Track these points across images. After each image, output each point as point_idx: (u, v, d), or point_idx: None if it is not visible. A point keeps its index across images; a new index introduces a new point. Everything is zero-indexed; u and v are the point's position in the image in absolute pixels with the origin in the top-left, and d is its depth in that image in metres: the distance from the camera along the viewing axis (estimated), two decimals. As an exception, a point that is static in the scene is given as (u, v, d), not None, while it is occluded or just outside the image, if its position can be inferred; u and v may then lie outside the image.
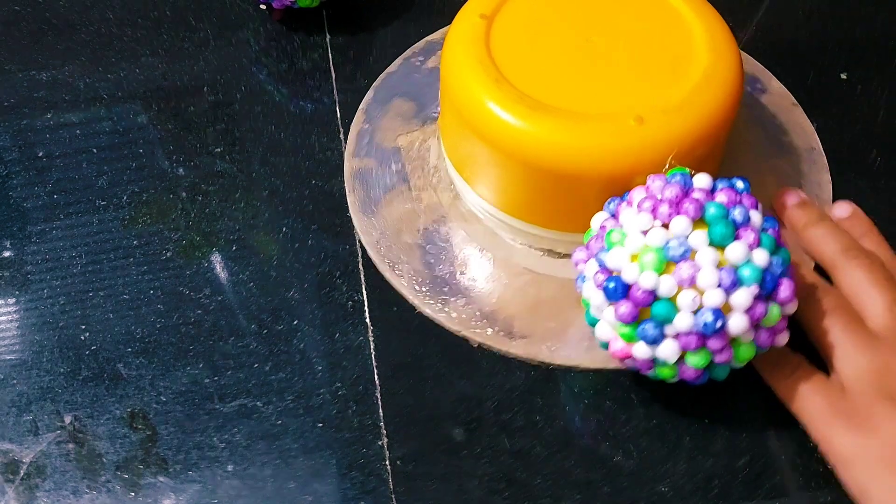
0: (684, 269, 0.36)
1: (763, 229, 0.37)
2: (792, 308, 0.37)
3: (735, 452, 0.41)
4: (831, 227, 0.45)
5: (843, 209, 0.46)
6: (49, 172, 0.50)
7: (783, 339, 0.38)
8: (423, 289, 0.45)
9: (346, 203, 0.49)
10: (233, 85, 0.54)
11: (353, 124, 0.52)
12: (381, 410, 0.42)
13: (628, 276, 0.36)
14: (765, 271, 0.36)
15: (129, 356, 0.44)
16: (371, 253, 0.47)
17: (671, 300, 0.36)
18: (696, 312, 0.36)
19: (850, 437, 0.38)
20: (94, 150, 0.51)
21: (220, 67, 0.55)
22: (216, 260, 0.47)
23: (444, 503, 0.40)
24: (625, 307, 0.36)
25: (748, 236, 0.36)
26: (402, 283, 0.45)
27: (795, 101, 0.52)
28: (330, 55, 0.55)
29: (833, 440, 0.38)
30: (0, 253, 0.48)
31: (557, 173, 0.41)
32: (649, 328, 0.36)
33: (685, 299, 0.36)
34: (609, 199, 0.40)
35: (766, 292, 0.36)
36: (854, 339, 0.40)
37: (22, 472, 0.41)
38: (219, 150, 0.51)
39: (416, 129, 0.51)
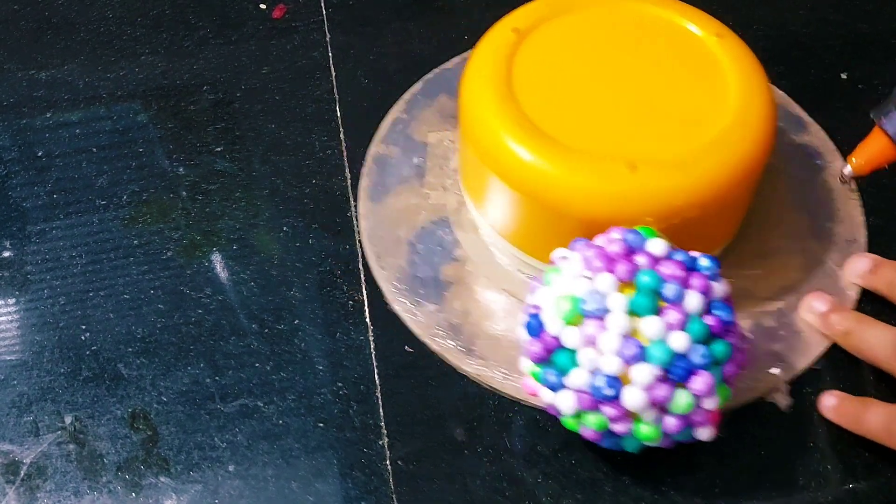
0: (589, 327, 0.35)
1: (701, 314, 0.35)
2: (711, 403, 0.35)
3: (738, 450, 0.41)
4: (872, 327, 0.42)
5: (864, 263, 0.44)
6: (49, 172, 0.50)
7: (704, 434, 0.36)
8: (402, 286, 0.45)
9: (347, 202, 0.49)
10: (233, 83, 0.54)
11: (391, 110, 0.52)
12: (381, 410, 0.42)
13: (545, 317, 0.36)
14: (679, 356, 0.34)
15: (129, 356, 0.44)
16: (364, 239, 0.47)
17: (574, 353, 0.35)
18: (593, 373, 0.35)
19: None
20: (94, 150, 0.51)
21: (220, 66, 0.55)
22: (217, 259, 0.47)
23: (445, 503, 0.40)
24: (534, 346, 0.36)
25: (671, 315, 0.34)
26: (382, 276, 0.45)
27: (855, 188, 0.48)
28: (330, 54, 0.55)
29: None
30: (0, 253, 0.48)
31: (542, 203, 0.40)
32: (549, 374, 0.36)
33: (584, 357, 0.35)
34: (577, 238, 0.39)
35: (675, 377, 0.34)
36: None
37: (22, 473, 0.41)
38: (219, 148, 0.51)
39: (449, 129, 0.50)
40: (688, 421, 0.35)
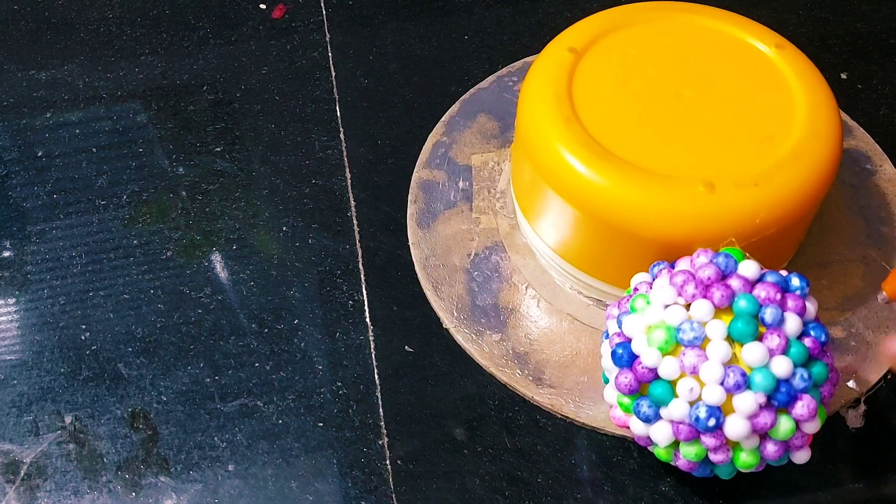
0: (689, 357, 0.34)
1: (800, 336, 0.34)
2: (813, 427, 0.35)
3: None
4: None
5: None
6: (49, 172, 0.50)
7: (801, 457, 0.36)
8: (462, 315, 0.44)
9: (347, 202, 0.49)
10: (232, 84, 0.54)
11: (430, 135, 0.51)
12: (381, 410, 0.42)
13: (637, 347, 0.35)
14: (782, 381, 0.34)
15: (129, 356, 0.44)
16: (417, 268, 0.46)
17: (671, 384, 0.34)
18: (693, 404, 0.34)
19: None
20: (94, 150, 0.51)
21: (220, 66, 0.55)
22: (216, 259, 0.47)
23: (445, 502, 0.40)
24: (625, 377, 0.35)
25: (772, 340, 0.34)
26: (442, 306, 0.44)
27: None
28: (330, 54, 0.55)
29: None
30: (0, 253, 0.48)
31: (613, 226, 0.39)
32: (644, 405, 0.35)
33: (684, 387, 0.34)
34: (656, 262, 0.38)
35: (779, 404, 0.34)
36: None
37: (22, 473, 0.41)
38: (219, 148, 0.51)
39: (492, 150, 0.50)
40: (787, 446, 0.35)
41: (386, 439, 0.41)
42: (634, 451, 0.41)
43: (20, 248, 0.48)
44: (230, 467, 0.41)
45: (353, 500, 0.40)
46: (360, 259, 0.47)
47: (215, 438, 0.42)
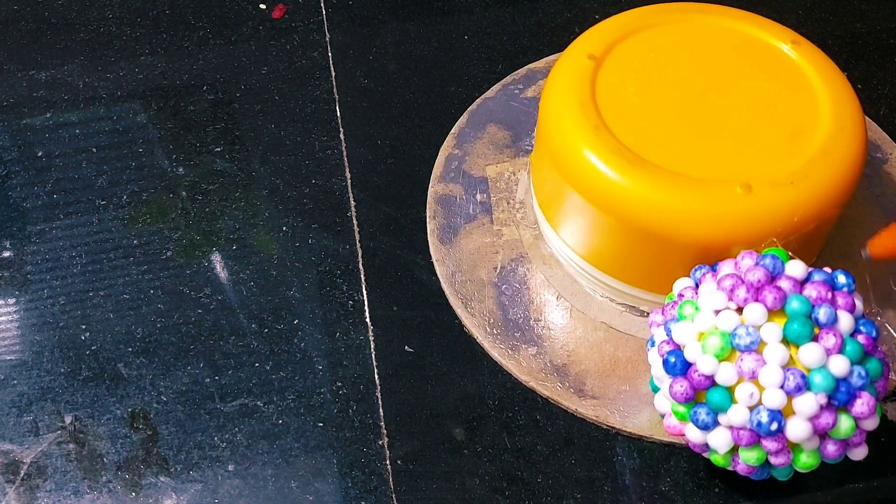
0: (747, 362, 0.33)
1: (853, 333, 0.34)
2: (872, 424, 0.34)
3: (737, 450, 0.41)
4: None
5: None
6: (49, 172, 0.50)
7: (859, 454, 0.35)
8: (495, 331, 0.44)
9: (347, 202, 0.49)
10: (232, 84, 0.54)
11: (442, 148, 0.50)
12: (381, 409, 0.42)
13: (690, 355, 0.35)
14: (840, 381, 0.33)
15: (129, 356, 0.44)
16: (444, 285, 0.45)
17: (729, 390, 0.34)
18: (752, 409, 0.34)
19: None
20: (94, 150, 0.51)
21: (220, 66, 0.55)
22: (216, 259, 0.47)
23: (445, 502, 0.40)
24: (680, 386, 0.35)
25: (828, 340, 0.34)
26: (474, 323, 0.44)
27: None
28: (329, 54, 0.55)
29: None
30: (0, 253, 0.48)
31: (649, 232, 0.39)
32: (702, 413, 0.35)
33: (743, 392, 0.33)
34: (697, 266, 0.38)
35: (839, 403, 0.34)
36: None
37: (22, 473, 0.41)
38: (218, 149, 0.51)
39: (506, 160, 0.49)
40: (846, 444, 0.35)
41: (386, 439, 0.41)
42: (634, 451, 0.41)
43: (20, 248, 0.48)
44: (230, 467, 0.41)
45: (353, 500, 0.40)
46: (360, 259, 0.47)
47: (215, 438, 0.42)
